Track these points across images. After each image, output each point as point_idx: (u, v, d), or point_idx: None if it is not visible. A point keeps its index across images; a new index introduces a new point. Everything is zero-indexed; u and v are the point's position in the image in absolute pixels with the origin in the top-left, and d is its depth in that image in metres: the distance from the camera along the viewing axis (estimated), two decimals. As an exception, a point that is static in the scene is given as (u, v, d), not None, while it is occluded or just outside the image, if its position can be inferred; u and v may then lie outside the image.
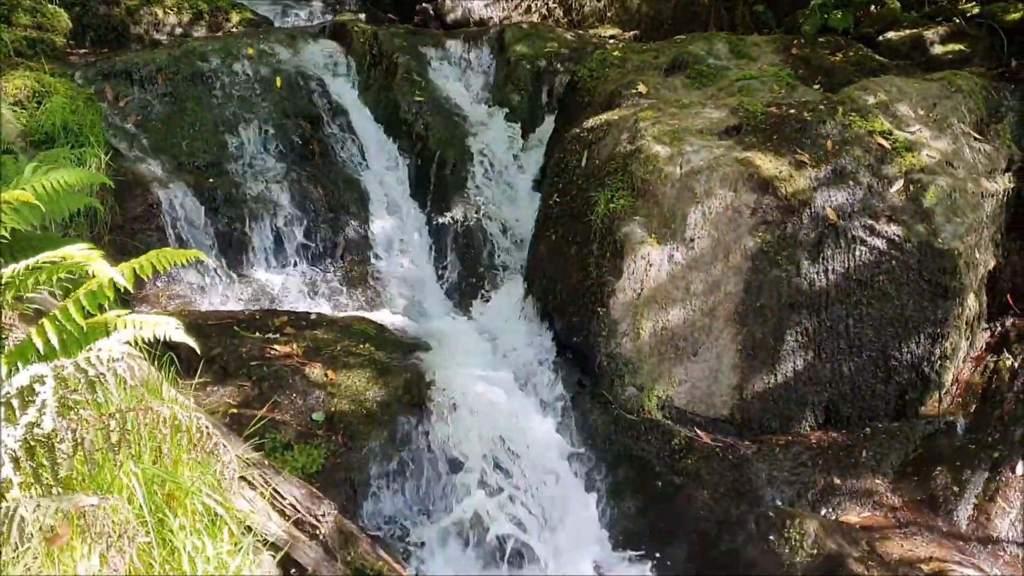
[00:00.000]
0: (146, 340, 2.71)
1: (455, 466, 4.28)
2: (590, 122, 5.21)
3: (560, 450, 4.57)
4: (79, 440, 2.28)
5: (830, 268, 4.54)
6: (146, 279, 5.23)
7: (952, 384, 4.71)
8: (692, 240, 4.58)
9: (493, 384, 4.64)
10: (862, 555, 3.83)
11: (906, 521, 4.11)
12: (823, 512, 4.21)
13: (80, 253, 2.35)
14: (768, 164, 4.60)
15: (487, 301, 5.43)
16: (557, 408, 4.74)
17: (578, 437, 4.74)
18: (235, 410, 4.06)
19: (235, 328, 4.66)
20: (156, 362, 3.43)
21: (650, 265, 4.59)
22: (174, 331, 2.35)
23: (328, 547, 3.27)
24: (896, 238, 4.50)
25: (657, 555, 4.43)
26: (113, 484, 2.65)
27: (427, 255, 5.71)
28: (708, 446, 4.55)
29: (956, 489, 4.22)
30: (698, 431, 4.62)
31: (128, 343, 2.62)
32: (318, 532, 3.26)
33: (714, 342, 4.67)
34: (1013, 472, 4.21)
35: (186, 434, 2.38)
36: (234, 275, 5.40)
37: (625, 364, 4.67)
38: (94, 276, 2.34)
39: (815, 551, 3.89)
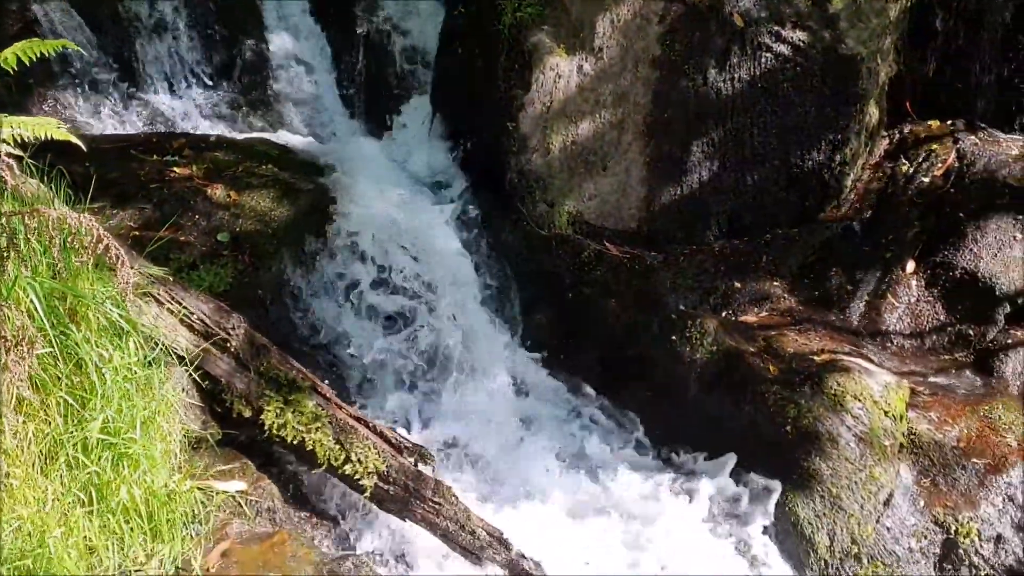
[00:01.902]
0: (28, 146, 2.58)
1: (367, 285, 4.28)
2: (494, -75, 4.96)
3: (472, 267, 4.61)
4: (-37, 246, 2.19)
5: (736, 76, 4.54)
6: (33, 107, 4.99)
7: (851, 190, 4.86)
8: (601, 50, 4.51)
9: (402, 204, 4.61)
10: (758, 350, 4.03)
11: (801, 319, 4.31)
12: (724, 314, 4.39)
13: (-60, 46, 2.18)
14: (676, -31, 4.50)
15: (394, 121, 5.30)
16: (468, 226, 4.75)
17: (490, 254, 4.78)
18: (136, 233, 3.94)
19: (131, 152, 4.47)
20: (45, 180, 3.28)
21: (559, 77, 4.51)
22: (56, 130, 2.23)
23: (240, 358, 3.28)
24: (801, 44, 4.51)
25: (569, 363, 4.59)
26: (10, 297, 2.58)
27: (330, 74, 5.49)
28: (616, 258, 4.64)
29: (850, 288, 4.42)
30: (607, 244, 4.70)
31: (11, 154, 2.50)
32: (229, 344, 3.26)
33: (623, 155, 4.69)
34: (903, 271, 4.42)
35: (77, 237, 2.30)
36: (127, 98, 5.13)
37: (536, 180, 4.66)
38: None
39: (714, 348, 4.07)
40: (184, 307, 3.21)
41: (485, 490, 3.83)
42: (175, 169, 4.35)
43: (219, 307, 3.32)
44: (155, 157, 4.44)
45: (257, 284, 3.96)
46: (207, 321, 3.25)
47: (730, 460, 3.91)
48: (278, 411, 3.24)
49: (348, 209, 4.37)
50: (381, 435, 3.37)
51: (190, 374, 3.14)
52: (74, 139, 2.31)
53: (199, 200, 4.18)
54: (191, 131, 5.01)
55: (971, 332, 4.17)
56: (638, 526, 3.80)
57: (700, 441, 4.08)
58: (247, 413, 3.25)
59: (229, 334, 3.27)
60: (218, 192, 4.23)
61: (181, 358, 3.16)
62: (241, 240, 4.08)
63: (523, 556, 3.37)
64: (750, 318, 4.36)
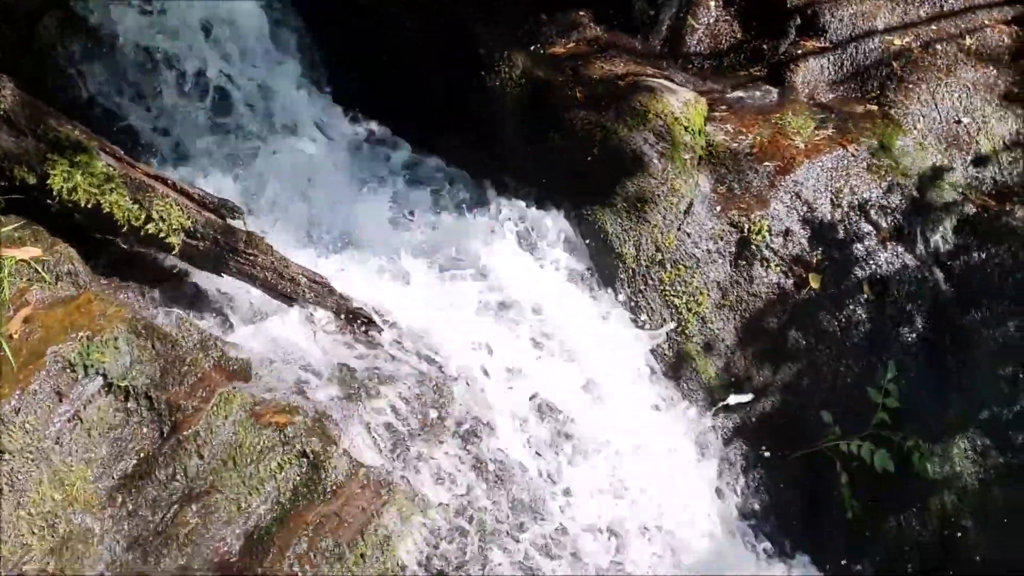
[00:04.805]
0: None
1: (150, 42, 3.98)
2: None
3: (266, 19, 4.34)
4: None
5: None
6: None
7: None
8: None
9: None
10: (566, 79, 4.05)
11: (607, 46, 4.32)
12: (532, 48, 4.34)
13: None
14: None
15: None
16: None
17: (288, 9, 4.50)
18: None
19: None
20: None
21: None
22: None
23: (13, 123, 3.03)
24: None
25: (386, 117, 4.49)
26: None
27: None
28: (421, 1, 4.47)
29: (652, 13, 4.43)
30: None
31: None
32: (-2, 109, 3.00)
33: None
34: (703, -9, 4.46)
35: None
36: None
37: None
38: None
39: (523, 80, 4.06)
40: (-66, 71, 2.91)
41: (309, 240, 3.81)
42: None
43: (-23, 69, 3.03)
44: None
45: (20, 45, 3.62)
46: (-35, 83, 2.97)
47: (551, 193, 4.00)
48: (65, 175, 3.05)
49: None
50: (182, 191, 3.24)
51: (-44, 142, 2.90)
52: None
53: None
54: None
55: (765, 47, 4.31)
56: (466, 265, 3.89)
57: (518, 178, 4.14)
58: (31, 179, 3.04)
59: (-4, 97, 3.00)
60: (-40, -54, 3.75)
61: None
62: (-4, -1, 3.68)
63: (345, 298, 3.41)
64: (558, 49, 4.34)
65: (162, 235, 3.16)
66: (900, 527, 3.62)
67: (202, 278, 3.37)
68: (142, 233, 3.16)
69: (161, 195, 3.17)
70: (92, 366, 2.74)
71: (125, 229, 3.14)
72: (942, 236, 3.79)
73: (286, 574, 2.67)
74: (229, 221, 3.31)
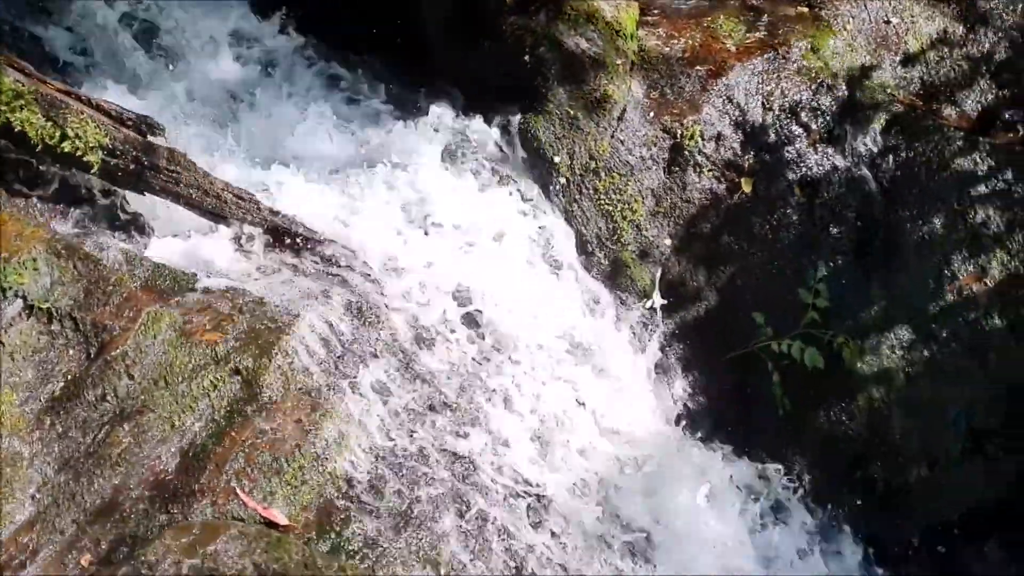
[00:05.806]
0: None
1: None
2: None
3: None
4: None
5: None
6: None
7: None
8: None
9: None
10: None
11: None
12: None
13: None
14: None
15: None
16: None
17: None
18: None
19: None
20: None
21: None
22: None
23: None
24: None
25: (309, 31, 4.37)
26: None
27: None
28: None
29: (583, -84, 4.33)
30: None
31: None
32: None
33: None
34: None
35: None
36: None
37: None
38: None
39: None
40: None
41: (235, 155, 3.72)
42: None
43: None
44: None
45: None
46: None
47: (483, 102, 3.92)
48: (-30, 92, 2.92)
49: None
50: (98, 108, 3.12)
51: None
52: None
53: None
54: None
55: (698, -52, 4.24)
56: (400, 172, 3.81)
57: (449, 88, 4.06)
58: (-67, 98, 2.91)
59: None
60: None
61: None
62: None
63: (274, 212, 3.35)
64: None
65: (79, 153, 3.06)
66: (830, 421, 3.73)
67: (125, 197, 3.28)
68: (58, 152, 3.05)
69: (76, 112, 3.06)
70: (10, 288, 2.67)
71: (40, 148, 3.03)
72: (871, 136, 3.82)
73: (224, 489, 2.66)
74: (149, 138, 3.21)
